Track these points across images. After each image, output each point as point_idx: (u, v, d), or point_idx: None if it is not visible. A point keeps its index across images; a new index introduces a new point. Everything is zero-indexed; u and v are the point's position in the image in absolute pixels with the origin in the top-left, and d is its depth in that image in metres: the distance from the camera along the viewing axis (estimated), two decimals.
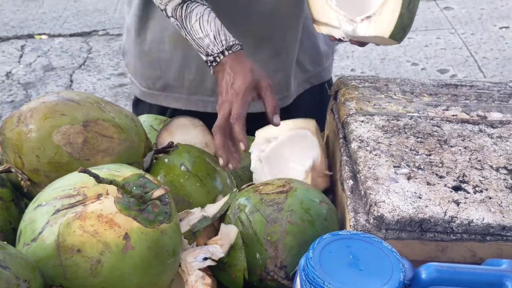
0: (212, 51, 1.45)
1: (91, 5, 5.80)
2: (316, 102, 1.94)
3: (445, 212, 1.16)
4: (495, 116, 1.48)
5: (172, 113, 1.81)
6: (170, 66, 1.78)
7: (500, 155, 1.34)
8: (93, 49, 5.07)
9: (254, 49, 1.70)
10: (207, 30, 1.45)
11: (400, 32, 1.42)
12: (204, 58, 1.47)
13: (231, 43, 1.45)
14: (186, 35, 1.49)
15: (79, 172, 1.04)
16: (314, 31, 1.83)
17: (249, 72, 1.42)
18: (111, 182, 1.06)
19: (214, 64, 1.46)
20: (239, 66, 1.43)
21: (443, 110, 1.50)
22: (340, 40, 1.52)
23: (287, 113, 1.70)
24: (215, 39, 1.45)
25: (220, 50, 1.44)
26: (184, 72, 1.78)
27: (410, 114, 1.47)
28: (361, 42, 1.52)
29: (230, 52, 1.45)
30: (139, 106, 1.93)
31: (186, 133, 1.53)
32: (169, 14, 1.50)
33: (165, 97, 1.85)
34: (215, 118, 1.42)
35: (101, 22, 5.50)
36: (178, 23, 1.49)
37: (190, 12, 1.47)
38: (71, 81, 4.64)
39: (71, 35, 5.30)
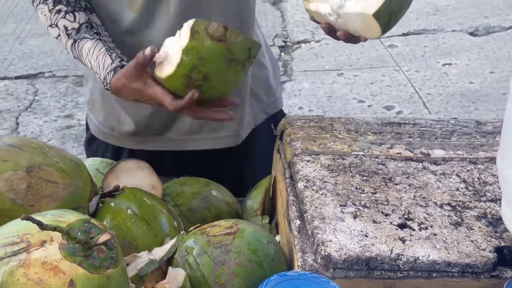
0: (101, 79, 1.53)
1: (37, 47, 5.75)
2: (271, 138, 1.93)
3: (391, 250, 1.17)
4: (438, 153, 1.50)
5: (129, 154, 1.79)
6: (137, 114, 1.76)
7: (444, 192, 1.36)
8: (39, 91, 5.02)
9: None
10: (93, 64, 1.54)
11: (385, 16, 1.40)
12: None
13: (108, 68, 1.51)
14: (90, 69, 1.57)
15: (22, 219, 1.03)
16: (265, 63, 1.86)
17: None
18: (55, 229, 1.05)
19: (108, 89, 1.52)
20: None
21: (387, 148, 1.52)
22: (318, 23, 1.53)
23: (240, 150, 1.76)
24: (98, 68, 1.53)
25: (103, 77, 1.52)
26: (152, 120, 1.76)
27: (355, 152, 1.49)
28: (347, 36, 1.49)
29: (113, 74, 1.50)
30: (93, 144, 1.88)
31: (133, 176, 1.52)
32: (74, 55, 1.60)
33: (121, 138, 1.82)
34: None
35: (47, 64, 5.46)
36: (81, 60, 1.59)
37: (80, 49, 1.55)
38: (17, 124, 4.58)
39: (16, 78, 5.24)
